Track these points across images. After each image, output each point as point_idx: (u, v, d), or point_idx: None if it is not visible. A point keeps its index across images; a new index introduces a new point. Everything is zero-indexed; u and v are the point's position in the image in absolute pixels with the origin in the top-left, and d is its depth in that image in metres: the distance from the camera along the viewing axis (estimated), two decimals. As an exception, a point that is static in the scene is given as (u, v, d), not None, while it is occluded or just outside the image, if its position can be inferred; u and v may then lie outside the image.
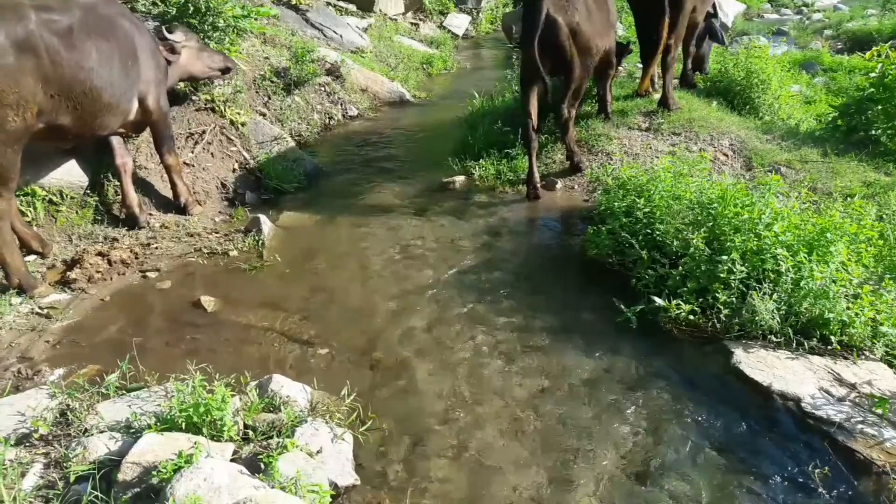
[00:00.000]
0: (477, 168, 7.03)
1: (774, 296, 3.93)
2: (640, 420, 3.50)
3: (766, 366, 3.71)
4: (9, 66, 4.14)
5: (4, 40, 4.11)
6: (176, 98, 6.86)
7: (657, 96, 7.84)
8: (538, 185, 6.39)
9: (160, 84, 5.62)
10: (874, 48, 7.50)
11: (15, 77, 4.19)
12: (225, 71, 6.73)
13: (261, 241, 5.59)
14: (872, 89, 6.86)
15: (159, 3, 7.11)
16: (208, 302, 4.66)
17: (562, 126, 6.53)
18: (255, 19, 8.20)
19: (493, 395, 3.72)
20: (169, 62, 5.91)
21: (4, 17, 4.16)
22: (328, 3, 13.05)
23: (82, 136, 4.99)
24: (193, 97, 7.14)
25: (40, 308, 4.56)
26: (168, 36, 5.87)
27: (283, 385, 3.48)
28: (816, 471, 3.10)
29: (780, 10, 26.44)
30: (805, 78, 11.53)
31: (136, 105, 5.37)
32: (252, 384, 3.49)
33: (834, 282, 3.85)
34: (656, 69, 7.96)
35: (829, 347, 3.82)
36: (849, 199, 5.14)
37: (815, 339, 3.86)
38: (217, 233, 5.88)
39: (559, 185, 6.58)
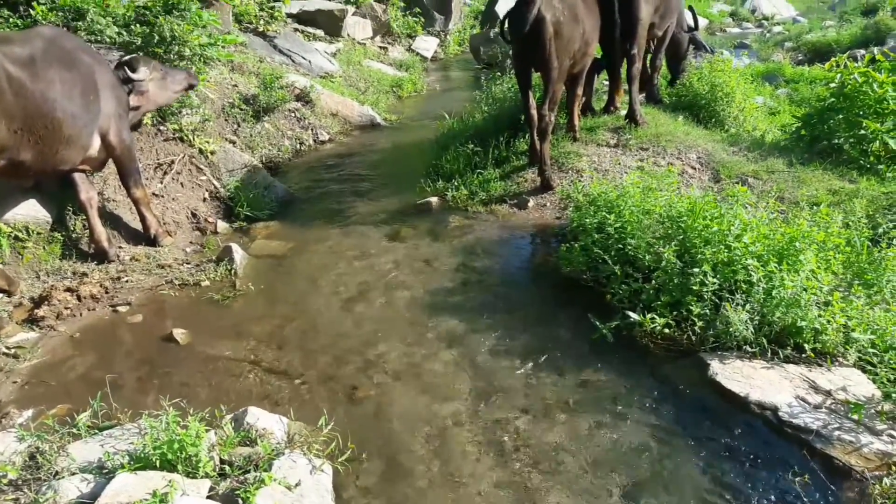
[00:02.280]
0: (450, 189, 7.05)
1: (747, 306, 3.97)
2: (619, 436, 3.50)
3: (742, 376, 3.74)
4: None
5: None
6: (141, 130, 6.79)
7: (624, 112, 7.94)
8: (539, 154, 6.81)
9: (121, 118, 5.53)
10: (833, 59, 7.69)
11: (-24, 116, 4.08)
12: (189, 88, 6.60)
13: (233, 271, 5.53)
14: (833, 99, 7.01)
15: (124, 33, 7.05)
16: (181, 335, 4.58)
17: (540, 132, 6.63)
18: (222, 47, 8.17)
19: (472, 418, 3.70)
20: (138, 104, 5.82)
21: None
22: (296, 30, 13.08)
23: (43, 171, 4.89)
24: (161, 127, 7.08)
25: (7, 348, 4.45)
26: (133, 76, 5.71)
27: (258, 417, 3.42)
28: (797, 479, 3.12)
29: (741, 24, 27.10)
30: (768, 89, 11.77)
31: (97, 140, 5.29)
32: (227, 418, 3.43)
33: (805, 290, 3.90)
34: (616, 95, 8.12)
35: (804, 355, 3.86)
36: (815, 207, 5.23)
37: (789, 348, 3.90)
38: (188, 263, 5.81)
39: (531, 203, 6.61)
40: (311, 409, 3.78)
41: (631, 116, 7.62)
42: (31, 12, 6.15)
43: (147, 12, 7.23)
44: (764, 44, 19.31)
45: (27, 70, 4.43)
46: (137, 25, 7.08)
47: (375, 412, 3.79)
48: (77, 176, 5.46)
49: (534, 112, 6.64)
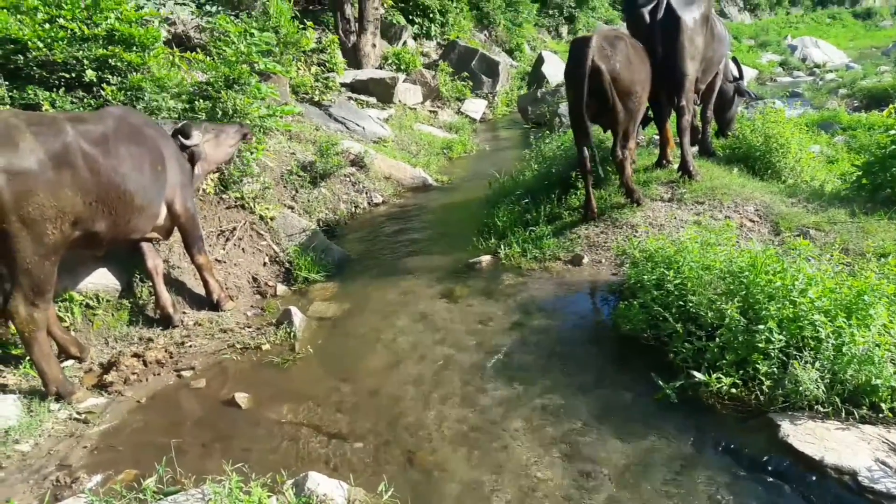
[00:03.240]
0: (502, 247, 7.08)
1: (817, 364, 3.81)
2: (690, 502, 3.36)
3: (815, 438, 3.57)
4: (48, 181, 4.27)
5: (43, 156, 4.24)
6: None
7: (676, 166, 7.91)
8: (594, 208, 7.20)
9: (186, 187, 5.79)
10: (892, 105, 7.53)
11: (54, 191, 4.31)
12: (244, 138, 6.86)
13: (292, 333, 5.63)
14: (894, 146, 6.84)
15: (187, 107, 7.42)
16: (242, 399, 4.66)
17: (618, 167, 7.00)
18: (281, 117, 8.52)
19: (534, 484, 3.61)
20: (194, 164, 6.07)
21: (42, 133, 4.31)
22: (350, 98, 13.56)
23: (115, 241, 5.12)
24: (223, 196, 7.37)
25: (78, 413, 4.60)
26: (187, 143, 5.97)
27: (319, 483, 3.42)
28: (883, 550, 2.93)
29: (792, 73, 26.87)
30: (825, 138, 11.54)
31: (164, 209, 5.54)
32: (288, 483, 3.45)
33: (878, 346, 3.73)
34: (671, 137, 8.10)
35: (881, 416, 3.66)
36: (883, 258, 5.05)
37: (864, 408, 3.71)
38: (250, 327, 5.94)
39: (586, 259, 6.57)
40: (371, 473, 3.76)
41: (684, 169, 7.57)
42: (102, 92, 6.55)
43: (209, 87, 7.63)
44: (817, 91, 19.03)
45: (100, 147, 4.70)
46: (201, 100, 7.46)
47: (434, 478, 3.74)
48: (144, 244, 5.72)
49: (589, 165, 6.86)
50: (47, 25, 6.39)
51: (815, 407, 3.77)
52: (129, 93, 6.71)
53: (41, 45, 6.28)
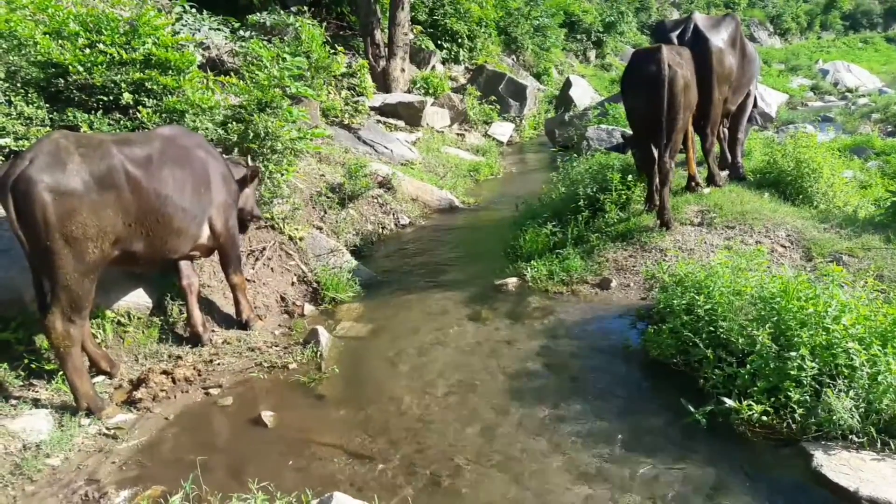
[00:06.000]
0: (529, 269, 7.06)
1: (851, 392, 3.74)
2: (720, 532, 3.30)
3: (850, 469, 3.49)
4: (92, 202, 4.39)
5: (88, 177, 4.37)
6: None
7: (707, 191, 7.87)
8: (664, 203, 7.09)
9: (230, 208, 5.87)
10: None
11: (97, 211, 4.43)
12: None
13: (319, 353, 5.66)
14: (930, 172, 6.73)
15: (220, 131, 7.54)
16: (269, 417, 4.68)
17: (662, 177, 7.01)
18: (311, 140, 8.62)
19: (560, 509, 3.57)
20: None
21: (88, 155, 4.44)
22: (378, 121, 13.70)
23: (153, 260, 5.20)
24: (254, 216, 7.47)
25: (107, 429, 4.65)
26: None
27: None
28: (922, 587, 2.84)
29: (823, 98, 26.63)
30: (858, 163, 11.39)
31: (206, 230, 5.61)
32: (313, 503, 3.45)
33: (915, 375, 3.65)
34: (695, 166, 8.08)
35: (919, 447, 3.58)
36: (920, 285, 4.95)
37: (901, 438, 3.63)
38: (277, 346, 5.98)
39: (614, 283, 6.53)
40: (396, 496, 3.75)
41: (711, 180, 7.93)
42: (139, 114, 6.70)
43: (242, 111, 7.77)
44: (849, 116, 18.80)
45: (144, 169, 4.82)
46: (234, 123, 7.59)
47: (460, 502, 3.72)
48: (183, 263, 5.79)
49: (653, 152, 6.98)
50: (87, 50, 6.57)
51: (850, 437, 3.70)
52: (164, 115, 6.86)
53: (81, 69, 6.46)
